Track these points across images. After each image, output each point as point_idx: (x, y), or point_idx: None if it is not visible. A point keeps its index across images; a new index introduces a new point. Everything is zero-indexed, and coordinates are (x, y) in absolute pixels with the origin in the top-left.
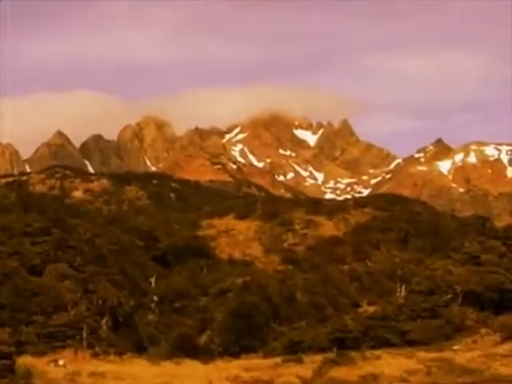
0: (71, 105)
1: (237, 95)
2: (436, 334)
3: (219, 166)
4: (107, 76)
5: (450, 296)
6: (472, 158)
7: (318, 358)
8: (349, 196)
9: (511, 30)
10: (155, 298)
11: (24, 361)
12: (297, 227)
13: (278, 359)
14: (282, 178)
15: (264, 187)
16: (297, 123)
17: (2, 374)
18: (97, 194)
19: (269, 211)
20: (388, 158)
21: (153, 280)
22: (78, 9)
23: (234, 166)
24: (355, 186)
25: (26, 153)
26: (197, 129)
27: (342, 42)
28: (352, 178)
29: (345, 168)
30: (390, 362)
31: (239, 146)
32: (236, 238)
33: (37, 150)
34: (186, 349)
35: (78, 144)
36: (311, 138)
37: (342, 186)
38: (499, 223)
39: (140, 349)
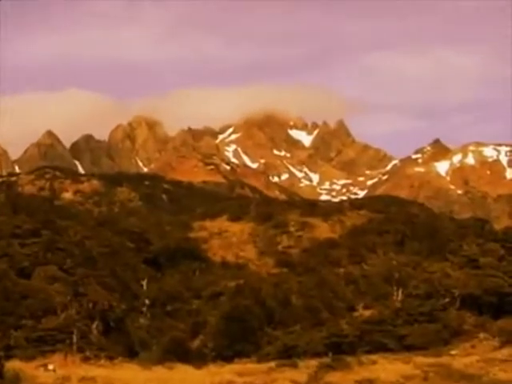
0: (61, 104)
1: (230, 95)
2: (433, 339)
3: (212, 167)
4: (98, 75)
5: (447, 300)
6: (470, 159)
7: (313, 362)
8: (344, 198)
9: (511, 30)
10: (147, 302)
11: (13, 365)
12: (291, 229)
13: (272, 364)
14: (276, 179)
15: (258, 188)
16: (292, 123)
17: None
18: (87, 195)
19: (263, 213)
20: (385, 159)
21: (144, 283)
22: (70, 8)
23: (228, 167)
24: (351, 188)
25: (15, 153)
26: (189, 129)
27: (339, 42)
28: (348, 179)
29: (340, 169)
30: (387, 367)
31: (233, 147)
32: (229, 240)
33: (26, 151)
34: (179, 353)
35: (68, 144)
36: (306, 139)
37: (337, 188)
38: (498, 225)
39: (131, 353)
